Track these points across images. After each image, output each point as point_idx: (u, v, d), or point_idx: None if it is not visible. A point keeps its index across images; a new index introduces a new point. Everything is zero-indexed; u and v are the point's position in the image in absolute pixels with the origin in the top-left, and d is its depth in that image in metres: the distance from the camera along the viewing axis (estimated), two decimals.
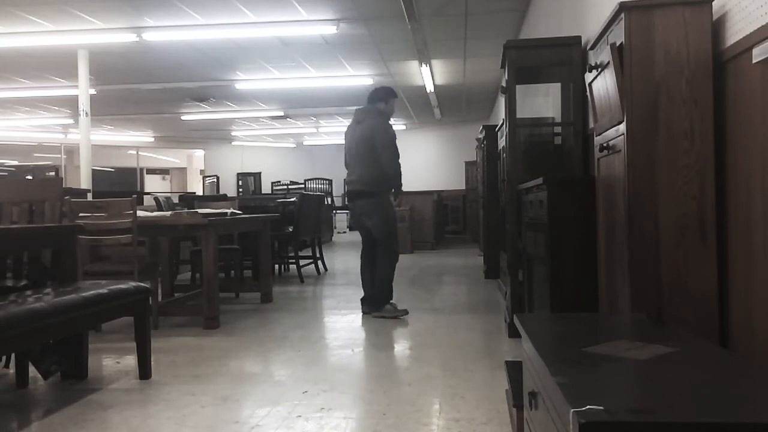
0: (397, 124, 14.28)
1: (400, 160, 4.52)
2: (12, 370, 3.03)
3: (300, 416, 2.41)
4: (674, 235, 1.88)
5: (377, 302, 4.53)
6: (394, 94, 4.77)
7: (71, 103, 9.67)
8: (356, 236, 16.20)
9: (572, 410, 0.98)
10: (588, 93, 2.46)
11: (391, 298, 4.57)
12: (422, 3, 6.05)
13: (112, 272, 4.02)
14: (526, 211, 3.39)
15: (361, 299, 4.71)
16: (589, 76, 2.35)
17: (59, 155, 15.86)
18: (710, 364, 1.33)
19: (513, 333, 3.65)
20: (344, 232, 15.86)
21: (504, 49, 3.58)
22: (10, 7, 6.03)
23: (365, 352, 3.50)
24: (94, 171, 7.84)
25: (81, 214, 3.98)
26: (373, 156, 4.48)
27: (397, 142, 4.55)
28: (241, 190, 17.23)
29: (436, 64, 8.79)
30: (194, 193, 16.09)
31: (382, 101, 4.66)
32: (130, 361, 3.26)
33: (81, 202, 4.23)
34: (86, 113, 7.70)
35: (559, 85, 3.93)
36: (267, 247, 5.22)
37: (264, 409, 2.51)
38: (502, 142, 5.17)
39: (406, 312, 4.52)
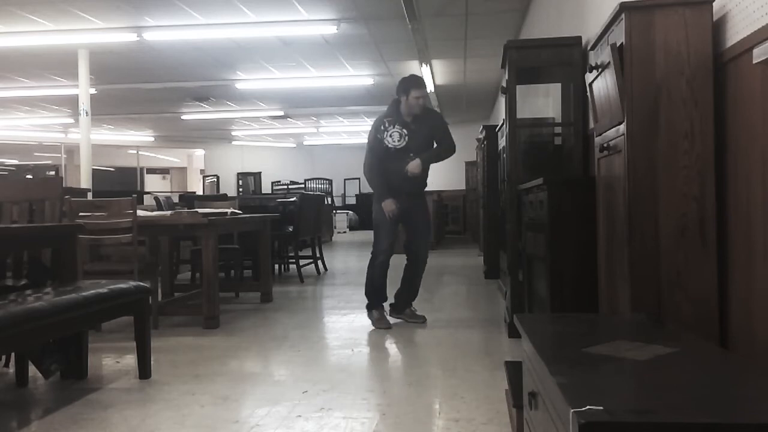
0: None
1: (371, 166, 4.07)
2: (12, 370, 3.03)
3: (300, 416, 2.41)
4: (674, 235, 1.88)
5: (397, 303, 4.26)
6: (413, 83, 4.10)
7: (71, 103, 9.68)
8: (356, 236, 16.06)
9: (572, 410, 0.98)
10: (588, 93, 2.46)
11: (381, 299, 4.17)
12: (422, 3, 6.04)
13: (112, 272, 4.02)
14: (526, 211, 3.39)
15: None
16: (589, 77, 2.35)
17: (59, 154, 15.87)
18: (710, 364, 1.33)
19: (513, 333, 3.65)
20: (344, 232, 15.86)
21: (504, 49, 3.58)
22: (11, 6, 6.03)
23: (365, 352, 3.50)
24: (94, 170, 7.85)
25: (81, 214, 3.98)
26: None
27: None
28: (241, 189, 17.23)
29: (437, 64, 8.79)
30: (194, 192, 16.09)
31: (403, 94, 4.09)
32: (130, 360, 3.26)
33: (81, 201, 4.23)
34: (86, 113, 7.71)
35: (559, 85, 3.92)
36: (267, 247, 5.21)
37: (264, 408, 2.51)
38: (502, 142, 5.17)
39: (383, 316, 4.19)
